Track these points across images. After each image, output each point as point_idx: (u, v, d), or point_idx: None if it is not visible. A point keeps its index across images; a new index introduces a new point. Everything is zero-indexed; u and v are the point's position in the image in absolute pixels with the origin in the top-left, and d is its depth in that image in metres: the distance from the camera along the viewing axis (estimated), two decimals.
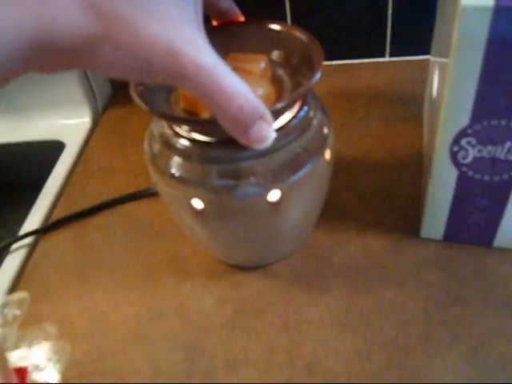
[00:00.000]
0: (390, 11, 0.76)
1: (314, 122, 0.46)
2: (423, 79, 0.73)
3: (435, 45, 0.60)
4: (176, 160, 0.44)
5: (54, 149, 0.78)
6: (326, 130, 0.47)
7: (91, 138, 0.78)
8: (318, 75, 0.41)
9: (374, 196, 0.60)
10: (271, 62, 0.48)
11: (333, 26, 0.80)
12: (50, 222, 0.64)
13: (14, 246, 0.63)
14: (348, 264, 0.53)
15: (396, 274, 0.52)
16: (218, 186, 0.43)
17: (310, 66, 0.44)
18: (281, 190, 0.44)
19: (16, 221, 0.69)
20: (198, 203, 0.44)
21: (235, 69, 0.45)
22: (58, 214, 0.65)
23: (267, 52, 0.48)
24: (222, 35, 0.49)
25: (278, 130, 0.42)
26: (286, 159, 0.43)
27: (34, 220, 0.66)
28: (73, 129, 0.81)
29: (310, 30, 0.77)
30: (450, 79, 0.41)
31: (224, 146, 0.43)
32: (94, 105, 0.83)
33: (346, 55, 0.83)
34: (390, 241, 0.55)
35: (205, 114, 0.44)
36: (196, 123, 0.43)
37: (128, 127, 0.78)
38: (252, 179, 0.43)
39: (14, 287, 0.58)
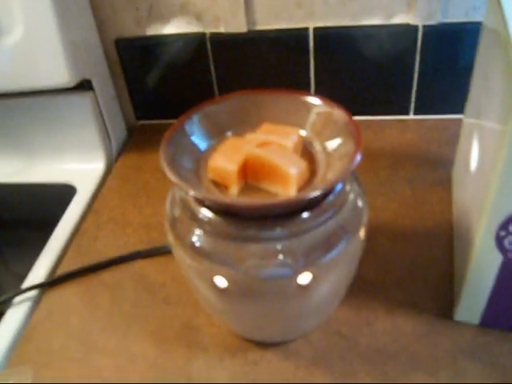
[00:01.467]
0: (416, 68, 0.74)
1: (351, 196, 0.43)
2: (451, 140, 0.71)
3: (472, 105, 0.56)
4: (198, 231, 0.41)
5: (64, 192, 0.75)
6: (360, 204, 0.44)
7: (103, 186, 0.75)
8: (357, 159, 0.39)
9: (401, 269, 0.57)
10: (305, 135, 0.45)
11: (356, 80, 0.77)
12: (56, 276, 0.61)
13: (17, 298, 0.59)
14: (375, 347, 0.50)
15: (428, 361, 0.48)
16: (245, 266, 0.40)
17: (346, 145, 0.41)
18: (312, 272, 0.40)
19: (21, 260, 0.68)
20: (221, 281, 0.41)
21: (268, 142, 0.42)
22: (66, 266, 0.62)
23: (301, 124, 0.45)
24: (255, 102, 0.47)
25: (311, 209, 0.39)
26: (319, 239, 0.40)
27: (40, 270, 0.63)
28: (85, 173, 0.78)
29: (334, 83, 0.76)
30: (508, 153, 0.38)
31: (253, 222, 0.39)
32: (109, 150, 0.80)
33: (369, 111, 0.80)
34: (421, 322, 0.51)
35: (233, 188, 0.41)
36: (236, 207, 0.40)
37: (141, 176, 0.75)
38: (281, 260, 0.40)
39: (14, 346, 0.54)
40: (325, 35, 0.74)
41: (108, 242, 0.65)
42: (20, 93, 0.73)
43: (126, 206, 0.70)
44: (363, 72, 0.76)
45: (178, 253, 0.43)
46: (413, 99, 0.77)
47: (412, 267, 0.57)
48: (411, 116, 0.80)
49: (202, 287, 0.44)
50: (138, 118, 0.89)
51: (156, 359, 0.51)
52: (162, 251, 0.61)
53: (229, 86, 0.81)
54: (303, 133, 0.46)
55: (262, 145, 0.43)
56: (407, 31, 0.71)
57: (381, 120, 0.80)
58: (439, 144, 0.74)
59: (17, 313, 0.58)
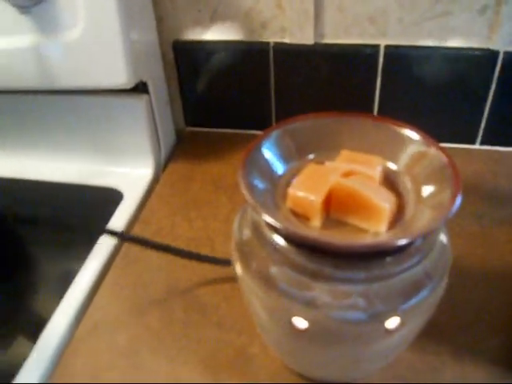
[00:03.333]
0: (490, 96, 0.70)
1: (440, 238, 0.39)
2: None
3: None
4: (275, 264, 0.38)
5: (111, 197, 0.73)
6: (447, 250, 0.41)
7: (151, 194, 0.72)
8: (454, 209, 0.35)
9: (469, 312, 0.53)
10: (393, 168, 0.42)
11: (423, 104, 0.74)
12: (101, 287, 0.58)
13: (61, 308, 0.56)
14: None
15: None
16: (325, 306, 0.36)
17: (441, 191, 0.38)
18: (400, 317, 0.37)
19: (65, 261, 0.68)
20: (300, 322, 0.38)
21: (354, 172, 0.39)
22: (112, 277, 0.59)
23: (390, 157, 0.42)
24: (336, 127, 0.44)
25: (394, 253, 0.36)
26: (401, 285, 0.37)
27: (85, 278, 0.61)
28: (132, 179, 0.75)
29: (399, 105, 0.73)
30: None
31: (334, 260, 0.36)
32: (158, 156, 0.77)
33: (433, 137, 0.76)
34: (492, 374, 0.48)
35: (316, 221, 0.38)
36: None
37: (191, 187, 0.73)
38: (358, 304, 0.36)
39: (57, 360, 0.52)
40: (396, 54, 0.70)
41: (156, 256, 0.62)
42: (75, 91, 0.71)
43: (174, 217, 0.67)
44: (432, 95, 0.72)
45: (247, 283, 0.40)
46: (481, 129, 0.74)
47: (479, 311, 0.53)
48: (477, 146, 0.76)
49: (272, 324, 0.41)
50: (188, 124, 0.86)
51: None
52: (221, 263, 0.57)
53: (288, 100, 0.77)
54: (392, 166, 0.42)
55: (347, 174, 0.40)
56: (486, 56, 0.67)
57: (446, 147, 0.76)
58: (508, 178, 0.70)
59: (60, 323, 0.55)
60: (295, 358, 0.46)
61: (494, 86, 0.69)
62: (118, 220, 0.68)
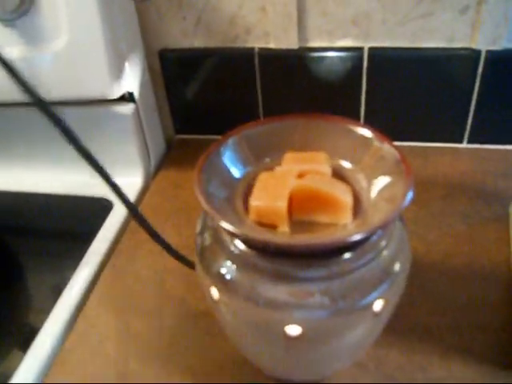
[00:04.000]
0: (475, 94, 0.70)
1: (399, 234, 0.41)
2: (508, 172, 0.67)
3: None
4: (238, 271, 0.38)
5: (101, 206, 0.73)
6: (405, 240, 0.41)
7: (141, 202, 0.72)
8: (406, 202, 0.36)
9: (456, 311, 0.53)
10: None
11: (409, 104, 0.74)
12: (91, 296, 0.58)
13: (51, 319, 0.57)
14: None
15: None
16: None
17: (395, 186, 0.39)
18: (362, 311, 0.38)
19: (56, 271, 0.67)
20: (294, 329, 0.38)
21: (306, 171, 0.39)
22: (101, 288, 0.59)
23: (346, 154, 0.43)
24: (299, 128, 0.45)
25: (352, 249, 0.37)
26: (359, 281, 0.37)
27: (75, 286, 0.61)
28: (122, 188, 0.75)
29: (386, 106, 0.73)
30: None
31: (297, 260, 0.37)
32: (147, 164, 0.78)
33: (420, 137, 0.77)
34: (479, 373, 0.48)
35: (285, 227, 0.38)
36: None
37: (181, 194, 0.73)
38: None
39: (45, 371, 0.52)
40: (380, 56, 0.71)
41: (145, 263, 0.62)
42: (61, 102, 0.71)
43: (164, 225, 0.68)
44: (417, 96, 0.73)
45: (208, 287, 0.40)
46: (468, 127, 0.74)
47: (467, 310, 0.54)
48: (465, 144, 0.76)
49: (261, 338, 0.41)
50: (177, 132, 0.86)
51: None
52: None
53: (275, 104, 0.78)
54: (346, 164, 0.43)
55: (302, 175, 0.40)
56: (469, 56, 0.68)
57: (432, 147, 0.77)
58: (495, 176, 0.70)
59: (50, 334, 0.56)
60: (273, 362, 0.46)
61: (478, 85, 0.69)
62: (108, 229, 0.68)
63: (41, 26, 0.64)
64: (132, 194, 0.74)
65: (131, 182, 0.76)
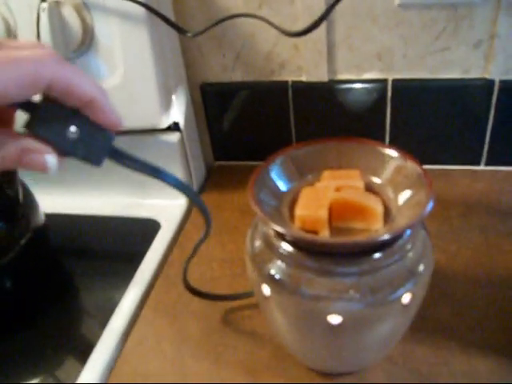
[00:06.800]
0: (490, 120, 0.77)
1: (422, 239, 0.48)
2: None
3: None
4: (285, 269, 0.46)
5: (149, 227, 0.80)
6: (428, 245, 0.48)
7: (186, 222, 0.79)
8: (428, 208, 0.43)
9: (476, 313, 0.59)
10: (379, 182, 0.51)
11: (431, 130, 0.81)
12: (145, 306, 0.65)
13: (112, 322, 0.64)
14: None
15: None
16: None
17: (418, 196, 0.46)
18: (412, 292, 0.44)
19: (108, 290, 0.72)
20: (335, 318, 0.44)
21: (343, 186, 0.47)
22: (154, 299, 0.66)
23: (376, 172, 0.51)
24: (335, 149, 0.52)
25: (381, 250, 0.44)
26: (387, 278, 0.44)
27: (130, 299, 0.68)
28: (168, 210, 0.83)
29: (409, 132, 0.80)
30: None
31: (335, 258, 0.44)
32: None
33: (441, 160, 0.83)
34: (498, 366, 0.54)
35: (325, 232, 0.45)
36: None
37: (222, 215, 0.80)
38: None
39: (109, 370, 0.59)
40: (402, 87, 0.78)
41: (194, 275, 0.69)
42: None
43: (209, 241, 0.74)
44: (438, 123, 0.80)
45: (259, 288, 0.48)
46: (485, 151, 0.80)
47: (487, 312, 0.59)
48: (482, 167, 0.82)
49: (306, 329, 0.48)
50: (216, 159, 0.94)
51: None
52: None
53: (307, 132, 0.85)
54: (376, 180, 0.50)
55: (339, 189, 0.48)
56: (484, 85, 0.75)
57: (453, 169, 0.83)
58: (510, 195, 0.76)
59: (111, 337, 0.63)
60: (307, 353, 0.53)
61: (492, 111, 0.76)
62: (158, 246, 0.75)
63: (98, 63, 0.72)
64: (178, 215, 0.82)
65: (177, 203, 0.84)
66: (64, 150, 0.37)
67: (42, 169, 0.37)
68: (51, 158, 0.37)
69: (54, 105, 0.36)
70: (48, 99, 0.36)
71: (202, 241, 0.56)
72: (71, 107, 0.37)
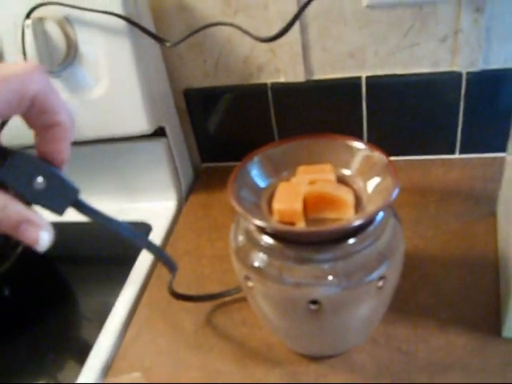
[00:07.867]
0: (461, 111, 0.80)
1: (392, 224, 0.51)
2: (494, 177, 0.77)
3: None
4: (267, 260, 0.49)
5: (140, 230, 0.83)
6: (398, 229, 0.52)
7: (176, 223, 0.83)
8: (395, 193, 0.46)
9: (452, 293, 0.63)
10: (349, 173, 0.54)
11: (406, 124, 0.84)
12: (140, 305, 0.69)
13: (110, 320, 0.68)
14: (432, 360, 0.56)
15: (480, 372, 0.54)
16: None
17: (385, 182, 0.50)
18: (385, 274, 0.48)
19: (104, 292, 0.75)
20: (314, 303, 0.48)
21: (316, 180, 0.50)
22: (150, 293, 0.70)
23: (346, 164, 0.54)
24: (308, 146, 0.56)
25: (354, 235, 0.47)
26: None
27: (125, 298, 0.71)
28: (158, 212, 0.86)
29: (385, 126, 0.83)
30: None
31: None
32: (179, 190, 0.88)
33: (418, 151, 0.87)
34: (472, 338, 0.57)
35: (301, 223, 0.49)
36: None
37: (211, 214, 0.84)
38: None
39: (109, 364, 0.62)
40: (376, 83, 0.81)
41: (186, 272, 0.72)
42: (103, 139, 0.82)
43: (199, 240, 0.78)
44: (412, 116, 0.83)
45: (255, 284, 0.51)
46: (458, 140, 0.84)
47: (462, 291, 0.63)
48: (457, 155, 0.86)
49: (289, 314, 0.52)
50: (203, 161, 0.97)
51: (237, 375, 0.58)
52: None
53: (288, 130, 0.89)
54: (346, 171, 0.54)
55: (312, 182, 0.51)
56: (452, 77, 0.78)
57: (429, 159, 0.87)
58: (483, 181, 0.80)
59: (108, 336, 0.66)
60: (302, 338, 0.56)
61: (462, 103, 0.80)
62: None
63: (84, 75, 0.75)
64: (168, 216, 0.85)
65: (166, 205, 0.87)
66: (27, 198, 0.37)
67: (33, 244, 0.37)
68: (46, 236, 0.37)
69: (26, 154, 0.36)
70: (20, 150, 0.36)
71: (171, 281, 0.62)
72: (41, 158, 0.38)
